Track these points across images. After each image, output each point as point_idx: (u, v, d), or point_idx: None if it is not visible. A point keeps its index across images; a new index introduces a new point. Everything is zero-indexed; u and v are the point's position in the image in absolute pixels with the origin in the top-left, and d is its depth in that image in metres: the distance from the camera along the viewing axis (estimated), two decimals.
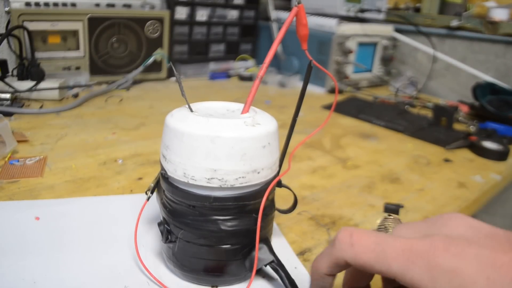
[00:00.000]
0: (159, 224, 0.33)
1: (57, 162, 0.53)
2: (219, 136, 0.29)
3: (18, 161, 0.51)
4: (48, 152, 0.56)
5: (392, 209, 0.49)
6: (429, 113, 0.95)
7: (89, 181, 0.49)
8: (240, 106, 0.35)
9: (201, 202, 0.31)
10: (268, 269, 0.34)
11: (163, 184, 0.33)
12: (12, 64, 0.82)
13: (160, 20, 0.99)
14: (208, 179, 0.30)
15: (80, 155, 0.56)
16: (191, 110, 0.33)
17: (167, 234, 0.33)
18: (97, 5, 0.92)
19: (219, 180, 0.30)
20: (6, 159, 0.52)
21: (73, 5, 0.88)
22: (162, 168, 0.32)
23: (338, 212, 0.48)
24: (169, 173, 0.31)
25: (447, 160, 0.68)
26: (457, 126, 0.88)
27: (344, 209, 0.48)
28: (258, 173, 0.31)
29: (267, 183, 0.32)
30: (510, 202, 1.08)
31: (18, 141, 0.56)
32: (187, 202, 0.31)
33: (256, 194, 0.32)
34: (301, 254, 0.39)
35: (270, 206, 0.34)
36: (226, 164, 0.30)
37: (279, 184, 0.36)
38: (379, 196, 0.53)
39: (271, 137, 0.31)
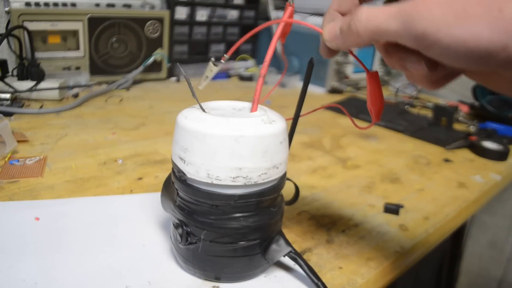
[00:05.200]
0: (177, 227, 0.33)
1: (57, 162, 0.53)
2: (243, 135, 0.30)
3: (18, 161, 0.51)
4: (48, 152, 0.56)
5: (392, 209, 0.49)
6: (429, 113, 0.95)
7: (89, 181, 0.49)
8: (244, 104, 0.36)
9: (226, 201, 0.31)
10: (284, 260, 0.35)
11: (180, 187, 0.32)
12: (12, 64, 0.82)
13: (160, 20, 0.99)
14: (233, 178, 0.30)
15: (80, 155, 0.56)
16: (204, 111, 0.33)
17: (187, 236, 0.33)
18: (97, 5, 0.92)
19: (244, 178, 0.30)
20: (6, 159, 0.52)
21: (73, 5, 0.88)
22: (179, 171, 0.32)
23: (338, 212, 0.48)
24: (189, 175, 0.31)
25: (447, 160, 0.68)
26: (457, 126, 0.88)
27: (344, 209, 0.48)
28: (277, 168, 0.32)
29: (283, 177, 0.34)
30: (510, 202, 1.08)
31: (18, 141, 0.56)
32: (210, 203, 0.31)
33: (275, 188, 0.33)
34: (301, 254, 0.39)
35: (281, 199, 0.35)
36: (250, 162, 0.30)
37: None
38: (379, 196, 0.53)
39: (285, 133, 0.32)
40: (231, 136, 0.30)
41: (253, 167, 0.30)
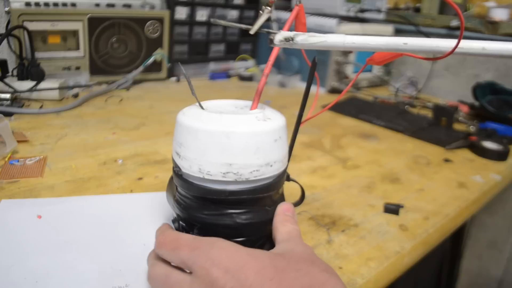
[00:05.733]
0: (174, 221, 0.34)
1: (57, 162, 0.53)
2: (234, 132, 0.30)
3: (18, 161, 0.51)
4: (48, 152, 0.56)
5: (392, 209, 0.49)
6: (429, 113, 0.95)
7: (89, 181, 0.49)
8: (247, 103, 0.36)
9: (217, 196, 0.31)
10: None
11: (177, 181, 0.33)
12: (12, 64, 0.82)
13: (160, 20, 0.99)
14: (224, 173, 0.30)
15: (80, 155, 0.56)
16: (202, 108, 0.33)
17: (182, 230, 0.33)
18: (97, 5, 0.92)
19: (234, 174, 0.31)
20: (6, 159, 0.52)
21: (73, 5, 0.88)
22: (176, 166, 0.33)
23: (338, 212, 0.48)
24: (183, 170, 0.32)
25: (447, 160, 0.68)
26: (457, 126, 0.88)
27: (344, 209, 0.48)
28: (271, 166, 0.32)
29: (279, 176, 0.33)
30: (510, 202, 1.08)
31: (18, 141, 0.56)
32: (202, 197, 0.32)
33: (269, 186, 0.33)
34: None
35: (281, 199, 0.35)
36: (241, 158, 0.30)
37: (288, 178, 0.37)
38: (379, 196, 0.53)
39: (281, 131, 0.32)
40: (222, 132, 0.30)
41: (244, 164, 0.30)
